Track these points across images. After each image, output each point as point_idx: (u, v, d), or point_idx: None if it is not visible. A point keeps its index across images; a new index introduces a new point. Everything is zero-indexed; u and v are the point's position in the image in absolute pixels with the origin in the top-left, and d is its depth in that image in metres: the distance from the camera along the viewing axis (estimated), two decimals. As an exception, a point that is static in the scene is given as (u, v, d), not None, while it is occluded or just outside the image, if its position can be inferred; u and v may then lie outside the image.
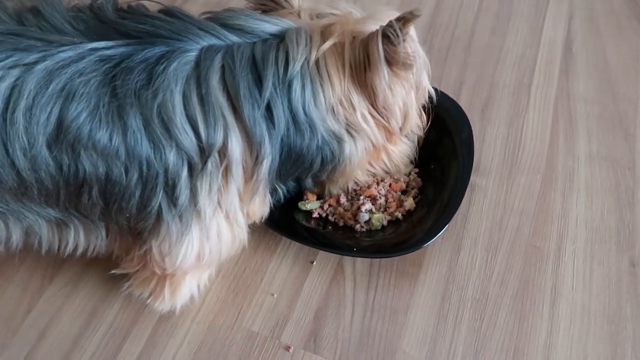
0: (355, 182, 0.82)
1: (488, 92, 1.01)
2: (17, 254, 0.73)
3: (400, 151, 0.79)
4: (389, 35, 0.64)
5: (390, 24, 0.64)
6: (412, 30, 0.69)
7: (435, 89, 0.91)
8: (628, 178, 0.91)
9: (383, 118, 0.70)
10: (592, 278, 0.82)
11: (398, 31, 0.63)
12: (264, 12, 0.74)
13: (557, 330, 0.77)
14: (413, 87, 0.72)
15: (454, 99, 0.93)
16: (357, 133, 0.70)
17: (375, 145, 0.73)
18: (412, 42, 0.68)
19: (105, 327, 0.76)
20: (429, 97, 0.78)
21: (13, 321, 0.76)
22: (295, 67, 0.64)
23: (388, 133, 0.73)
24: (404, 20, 0.63)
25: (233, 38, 0.65)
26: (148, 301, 0.75)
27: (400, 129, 0.75)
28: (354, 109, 0.68)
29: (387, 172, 0.82)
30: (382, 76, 0.66)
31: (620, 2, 1.15)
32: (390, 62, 0.66)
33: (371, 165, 0.79)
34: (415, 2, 1.15)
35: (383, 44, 0.64)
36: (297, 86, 0.65)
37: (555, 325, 0.77)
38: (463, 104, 0.94)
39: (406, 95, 0.71)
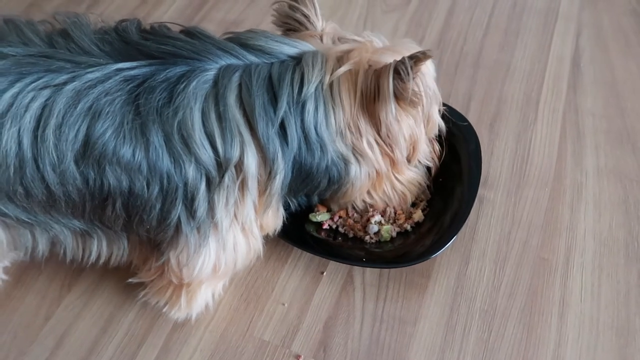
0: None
1: (496, 107, 1.02)
2: (42, 263, 0.75)
3: (408, 180, 0.80)
4: (400, 72, 0.66)
5: (402, 61, 0.66)
6: (429, 66, 0.72)
7: (444, 104, 0.93)
8: (636, 191, 0.92)
9: (387, 147, 0.72)
10: (601, 290, 0.82)
11: (409, 69, 0.65)
12: (288, 30, 0.76)
13: (566, 342, 0.77)
14: (422, 119, 0.74)
15: (463, 113, 0.94)
16: (362, 158, 0.72)
17: (379, 173, 0.75)
18: (424, 77, 0.70)
19: (121, 335, 0.78)
20: (439, 130, 0.80)
21: (32, 328, 0.78)
22: (310, 88, 0.66)
23: (392, 162, 0.75)
24: (416, 59, 0.65)
25: (251, 58, 0.67)
26: (164, 310, 0.77)
27: (409, 159, 0.77)
28: (361, 135, 0.70)
29: (386, 203, 0.83)
30: (390, 110, 0.68)
31: (628, 19, 1.16)
32: (398, 97, 0.68)
33: (369, 194, 0.80)
34: (425, 17, 1.17)
35: (394, 79, 0.66)
36: (310, 107, 0.67)
37: (563, 337, 0.78)
38: (472, 118, 0.96)
39: (415, 127, 0.73)
